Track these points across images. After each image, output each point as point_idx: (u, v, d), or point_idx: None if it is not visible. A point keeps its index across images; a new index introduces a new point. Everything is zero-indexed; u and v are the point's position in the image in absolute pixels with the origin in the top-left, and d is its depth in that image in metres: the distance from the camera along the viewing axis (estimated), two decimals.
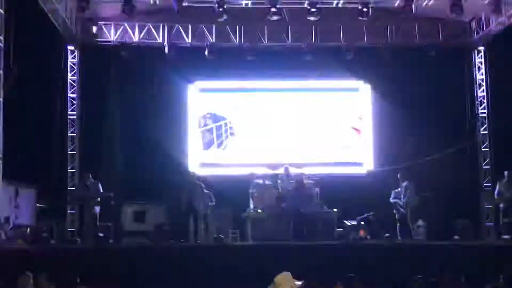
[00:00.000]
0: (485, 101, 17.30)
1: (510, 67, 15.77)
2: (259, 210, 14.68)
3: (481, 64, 17.44)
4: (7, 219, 13.36)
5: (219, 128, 17.70)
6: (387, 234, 13.95)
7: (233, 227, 14.60)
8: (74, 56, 16.80)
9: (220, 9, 14.44)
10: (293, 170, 15.52)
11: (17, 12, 13.21)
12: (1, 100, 12.39)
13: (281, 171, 15.48)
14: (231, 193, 15.69)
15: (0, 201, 12.66)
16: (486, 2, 14.83)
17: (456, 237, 14.12)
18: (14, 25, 13.03)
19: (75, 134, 16.64)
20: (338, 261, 11.21)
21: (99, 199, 14.08)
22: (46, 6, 14.33)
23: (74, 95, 16.73)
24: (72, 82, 16.75)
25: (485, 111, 17.29)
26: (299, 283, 6.36)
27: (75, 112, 16.68)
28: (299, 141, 17.61)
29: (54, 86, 16.12)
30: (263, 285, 6.42)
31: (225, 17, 14.63)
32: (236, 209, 15.27)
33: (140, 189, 16.15)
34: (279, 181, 15.12)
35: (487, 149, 17.17)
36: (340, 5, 15.36)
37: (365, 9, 14.68)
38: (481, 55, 17.47)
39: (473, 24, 16.97)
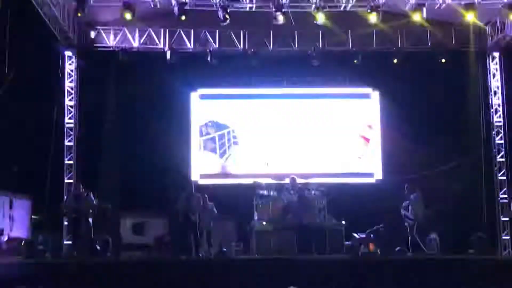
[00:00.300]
0: (500, 109, 16.83)
1: None
2: (264, 223, 14.45)
3: (496, 70, 16.98)
4: (1, 231, 13.08)
5: (221, 137, 17.31)
6: (398, 248, 13.49)
7: (237, 239, 14.42)
8: (72, 62, 16.40)
9: (224, 13, 14.20)
10: (299, 181, 15.16)
11: (12, 17, 12.86)
12: None
13: (287, 181, 15.14)
14: (234, 204, 15.41)
15: None
16: (502, 5, 14.42)
17: (470, 250, 13.72)
18: (10, 30, 12.81)
19: (72, 143, 16.22)
20: (346, 276, 11.01)
21: (94, 210, 13.65)
22: (42, 10, 14.04)
23: (71, 103, 16.37)
24: (70, 89, 16.38)
25: (501, 119, 16.80)
26: None
27: (72, 120, 16.30)
28: (306, 150, 17.21)
29: (50, 93, 15.76)
30: None
31: (228, 21, 14.38)
32: (239, 220, 15.07)
33: (139, 200, 15.77)
34: (284, 192, 14.80)
35: (503, 159, 16.64)
36: (348, 9, 15.03)
37: (374, 13, 14.32)
38: (496, 61, 16.99)
39: (488, 28, 16.53)
